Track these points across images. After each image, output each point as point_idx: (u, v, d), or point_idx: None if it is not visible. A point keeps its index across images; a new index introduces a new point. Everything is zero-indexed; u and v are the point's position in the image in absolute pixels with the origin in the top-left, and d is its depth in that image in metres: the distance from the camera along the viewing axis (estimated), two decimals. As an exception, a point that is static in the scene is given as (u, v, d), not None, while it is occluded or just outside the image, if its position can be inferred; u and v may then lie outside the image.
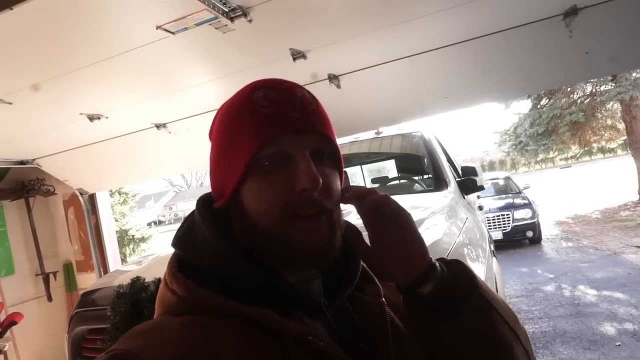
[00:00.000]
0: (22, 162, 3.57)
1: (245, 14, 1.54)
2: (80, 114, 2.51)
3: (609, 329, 4.14)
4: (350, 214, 2.29)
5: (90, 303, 1.86)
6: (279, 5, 1.56)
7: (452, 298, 0.61)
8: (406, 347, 0.65)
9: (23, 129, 2.80)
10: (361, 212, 0.64)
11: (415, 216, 1.92)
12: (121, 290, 1.55)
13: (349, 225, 0.66)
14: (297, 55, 2.05)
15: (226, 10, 1.50)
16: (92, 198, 4.08)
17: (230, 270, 0.56)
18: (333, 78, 2.54)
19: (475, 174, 2.85)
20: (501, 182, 10.55)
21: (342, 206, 0.66)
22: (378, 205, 0.63)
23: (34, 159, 3.60)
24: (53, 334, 3.98)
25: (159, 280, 1.59)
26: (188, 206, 57.19)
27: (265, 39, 1.88)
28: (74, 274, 4.22)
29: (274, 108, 0.57)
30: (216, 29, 1.63)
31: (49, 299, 3.98)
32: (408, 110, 2.89)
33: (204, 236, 0.58)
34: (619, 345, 3.76)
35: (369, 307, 0.66)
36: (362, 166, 4.29)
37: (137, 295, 1.52)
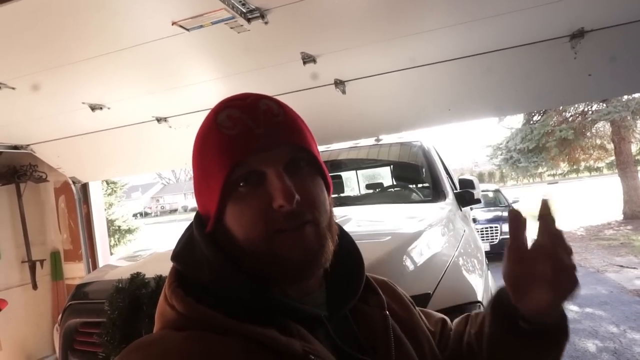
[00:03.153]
0: (15, 147, 3.51)
1: (262, 16, 1.54)
2: (83, 103, 2.49)
3: (590, 345, 4.21)
4: (351, 220, 2.27)
5: (84, 296, 1.84)
6: (296, 10, 1.56)
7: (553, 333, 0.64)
8: None
9: (20, 115, 2.76)
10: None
11: (414, 228, 1.93)
12: (120, 285, 1.54)
13: (512, 212, 0.62)
14: (307, 59, 2.06)
15: (244, 10, 1.50)
16: (84, 187, 4.03)
17: (229, 285, 0.56)
18: (339, 83, 2.55)
19: (473, 187, 2.88)
20: (491, 195, 10.66)
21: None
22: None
23: (28, 145, 3.54)
24: (36, 322, 3.92)
25: (160, 277, 1.58)
26: (175, 199, 56.77)
27: (278, 41, 1.88)
28: (61, 263, 4.16)
29: (238, 128, 0.56)
30: (231, 28, 1.63)
31: (34, 287, 3.91)
32: (411, 119, 2.91)
33: (202, 252, 0.59)
34: (600, 362, 3.82)
35: (371, 319, 0.66)
36: (359, 171, 4.31)
37: (136, 291, 1.51)
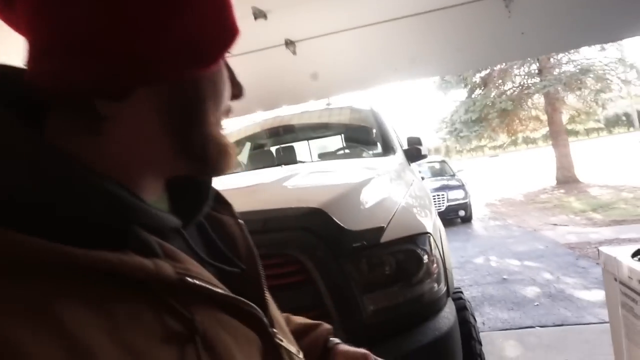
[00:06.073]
0: None
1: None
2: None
3: (529, 292, 4.60)
4: (299, 174, 2.32)
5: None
6: (246, -43, 1.58)
7: None
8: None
9: None
10: None
11: (364, 175, 2.04)
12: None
13: None
14: (258, 14, 2.08)
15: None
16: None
17: (49, 186, 0.33)
18: (289, 44, 2.59)
19: (420, 144, 3.04)
20: (437, 166, 11.12)
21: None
22: None
23: None
24: None
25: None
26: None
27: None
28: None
29: None
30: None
31: None
32: (360, 79, 3.01)
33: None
34: (537, 305, 4.19)
35: (229, 227, 0.57)
36: (308, 134, 4.35)
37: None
